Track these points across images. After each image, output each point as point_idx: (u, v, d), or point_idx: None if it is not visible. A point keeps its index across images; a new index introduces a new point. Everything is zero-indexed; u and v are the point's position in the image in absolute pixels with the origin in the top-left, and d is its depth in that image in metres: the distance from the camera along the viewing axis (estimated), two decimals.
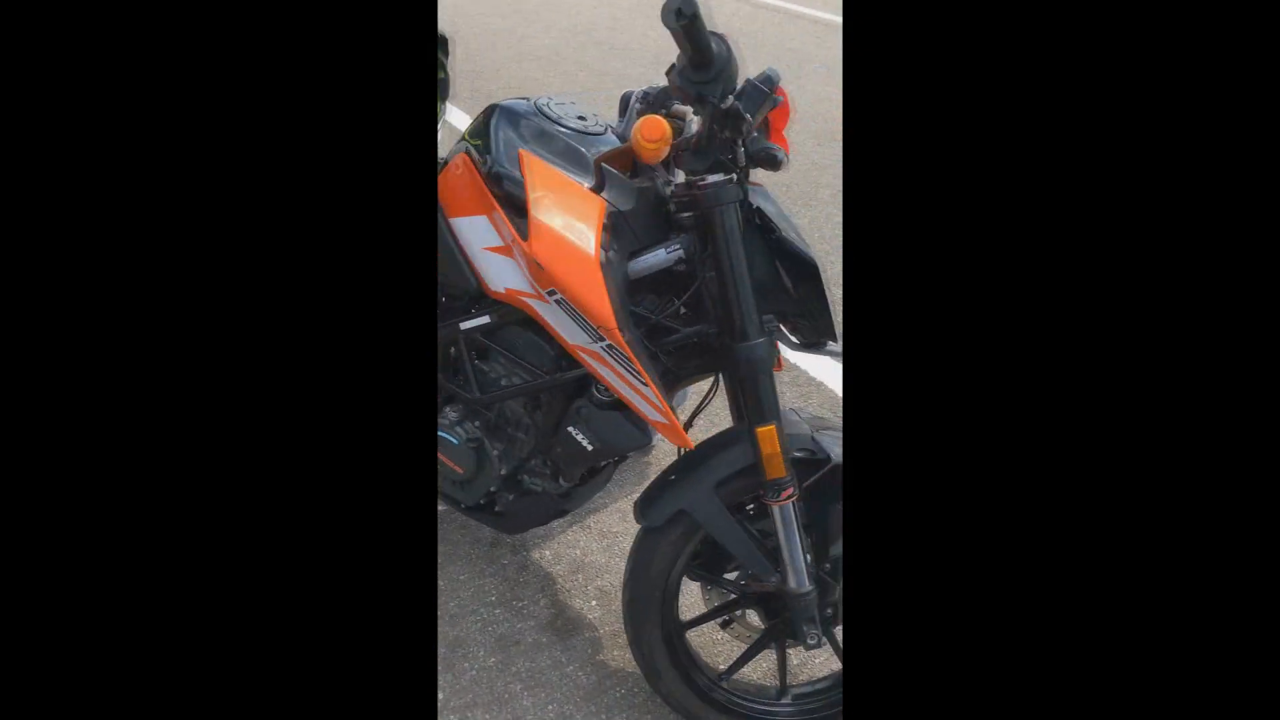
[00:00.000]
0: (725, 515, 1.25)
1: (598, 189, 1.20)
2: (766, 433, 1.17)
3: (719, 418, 1.63)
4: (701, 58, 1.00)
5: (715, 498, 1.24)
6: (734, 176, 1.12)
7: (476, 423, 1.44)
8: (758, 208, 1.18)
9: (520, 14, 6.02)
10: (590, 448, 1.29)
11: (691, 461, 1.29)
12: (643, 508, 1.29)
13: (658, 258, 1.22)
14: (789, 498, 1.20)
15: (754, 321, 1.15)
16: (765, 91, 1.06)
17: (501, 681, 1.54)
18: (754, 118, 1.07)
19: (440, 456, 1.46)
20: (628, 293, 1.22)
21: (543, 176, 1.16)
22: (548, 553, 1.81)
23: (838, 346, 1.26)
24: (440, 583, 1.73)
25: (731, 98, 1.06)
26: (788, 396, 2.21)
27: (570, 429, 1.30)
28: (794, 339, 1.26)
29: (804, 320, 1.22)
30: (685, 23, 0.96)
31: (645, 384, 1.15)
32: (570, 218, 1.13)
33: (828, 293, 1.19)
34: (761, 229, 1.18)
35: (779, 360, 1.34)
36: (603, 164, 1.22)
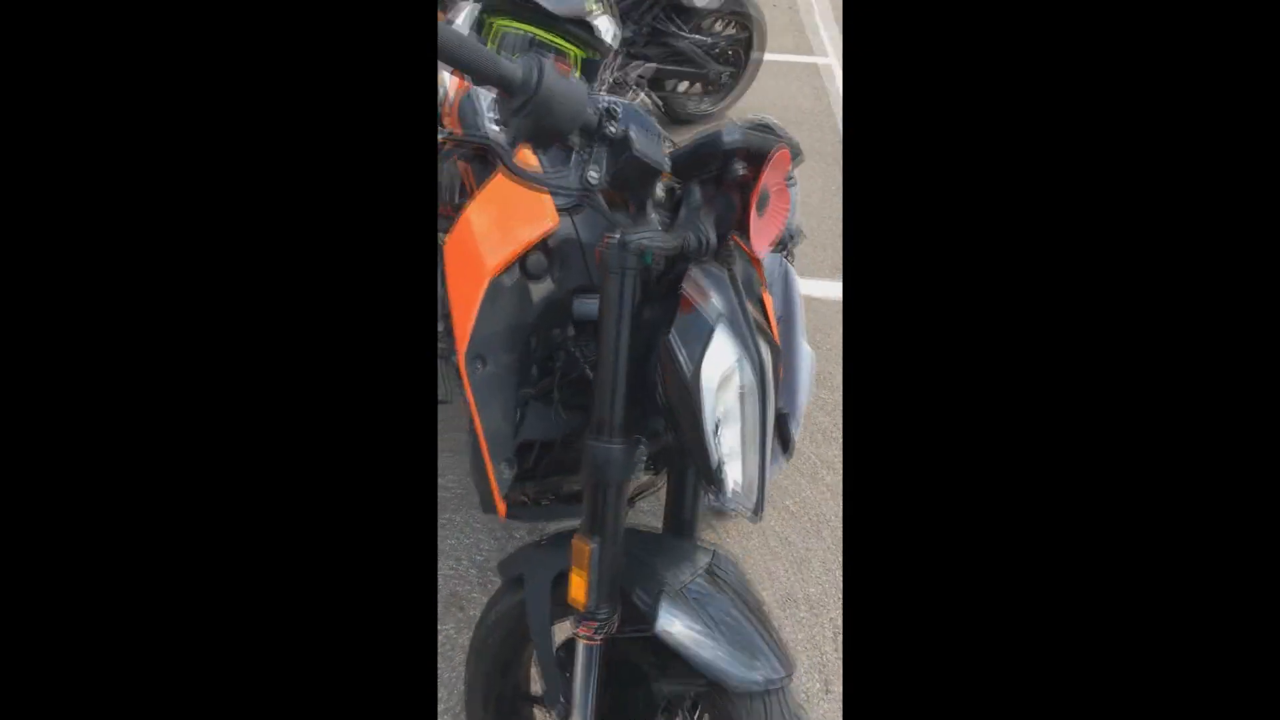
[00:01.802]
0: (545, 607, 1.08)
1: (572, 211, 1.06)
2: (579, 548, 0.97)
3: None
4: (485, 80, 0.78)
5: (548, 584, 1.08)
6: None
7: None
8: (680, 292, 0.93)
9: None
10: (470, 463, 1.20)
11: (563, 539, 1.13)
12: (508, 556, 1.18)
13: (596, 305, 1.05)
14: (587, 636, 0.99)
15: (615, 418, 0.93)
16: (641, 160, 0.81)
17: None
18: (604, 177, 0.83)
19: None
20: (560, 326, 1.08)
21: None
22: None
23: (748, 504, 0.97)
24: (457, 517, 1.78)
25: (599, 146, 0.83)
26: None
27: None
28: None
29: (684, 446, 0.96)
30: None
31: (475, 430, 1.02)
32: (499, 224, 1.02)
33: (707, 426, 0.90)
34: (667, 317, 0.94)
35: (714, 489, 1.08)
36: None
